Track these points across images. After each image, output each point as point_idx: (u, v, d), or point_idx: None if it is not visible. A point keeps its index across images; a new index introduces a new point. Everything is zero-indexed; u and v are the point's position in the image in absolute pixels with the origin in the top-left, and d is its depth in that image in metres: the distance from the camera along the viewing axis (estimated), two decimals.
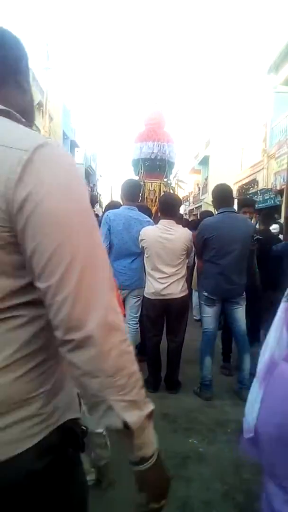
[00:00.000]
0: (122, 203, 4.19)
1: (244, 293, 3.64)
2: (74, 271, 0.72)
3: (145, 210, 4.42)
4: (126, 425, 0.75)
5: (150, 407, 0.80)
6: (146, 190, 9.98)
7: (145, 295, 3.67)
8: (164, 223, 3.60)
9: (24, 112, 0.92)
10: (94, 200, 4.66)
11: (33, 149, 0.71)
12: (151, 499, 0.84)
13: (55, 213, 0.71)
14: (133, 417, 0.76)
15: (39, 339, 0.79)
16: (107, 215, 3.87)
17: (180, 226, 3.74)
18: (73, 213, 0.74)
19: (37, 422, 0.79)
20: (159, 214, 4.34)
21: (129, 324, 3.89)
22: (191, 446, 2.82)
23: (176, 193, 10.83)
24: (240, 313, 3.62)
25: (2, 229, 0.72)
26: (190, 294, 5.50)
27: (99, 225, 3.77)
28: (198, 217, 10.57)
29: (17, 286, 0.76)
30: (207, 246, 3.55)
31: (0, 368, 0.75)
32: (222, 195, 3.68)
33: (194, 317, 6.01)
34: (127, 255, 3.85)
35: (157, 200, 9.75)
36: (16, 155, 0.71)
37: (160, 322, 3.69)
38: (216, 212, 3.78)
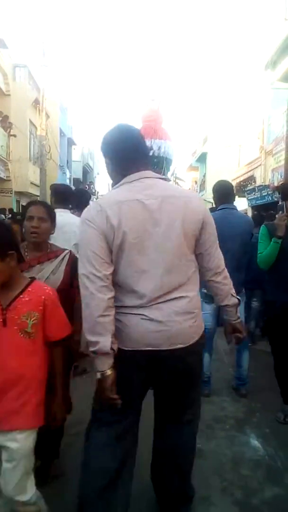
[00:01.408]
0: None
1: (244, 290, 3.65)
2: (216, 246, 1.93)
3: None
4: (238, 301, 2.01)
5: None
6: None
7: None
8: None
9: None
10: (88, 196, 4.76)
11: (199, 197, 2.35)
12: (239, 329, 2.06)
13: (212, 224, 1.89)
14: (236, 299, 2.00)
15: (198, 279, 1.88)
16: None
17: None
18: (213, 223, 1.90)
19: (201, 322, 1.85)
20: None
21: None
22: None
23: None
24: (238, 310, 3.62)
25: (198, 233, 1.82)
26: None
27: None
28: None
29: (194, 255, 1.87)
30: None
31: (194, 292, 1.82)
32: (223, 192, 3.68)
33: None
34: None
35: None
36: (199, 201, 1.96)
37: None
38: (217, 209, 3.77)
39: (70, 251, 2.37)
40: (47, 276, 2.20)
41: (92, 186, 32.97)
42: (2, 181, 15.91)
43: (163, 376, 1.82)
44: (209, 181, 23.09)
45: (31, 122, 18.36)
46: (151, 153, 9.88)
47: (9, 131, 16.05)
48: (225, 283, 1.94)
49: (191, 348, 1.76)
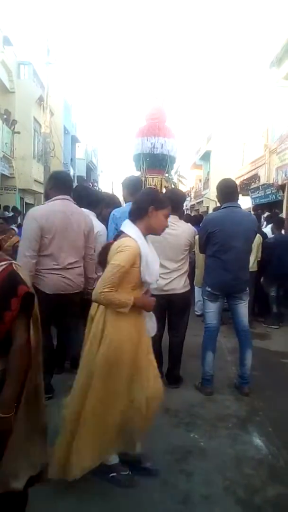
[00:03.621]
0: (125, 200, 4.25)
1: (248, 289, 3.64)
2: (93, 244, 3.41)
3: None
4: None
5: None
6: (147, 185, 9.93)
7: None
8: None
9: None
10: (102, 198, 4.48)
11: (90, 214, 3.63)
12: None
13: (93, 231, 3.42)
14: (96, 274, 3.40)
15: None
16: (113, 214, 3.94)
17: (183, 221, 3.74)
18: (94, 231, 3.45)
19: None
20: None
21: None
22: (192, 441, 2.83)
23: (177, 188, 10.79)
24: (243, 308, 3.62)
25: (87, 235, 3.28)
26: (192, 289, 5.51)
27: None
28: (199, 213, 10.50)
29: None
30: (211, 240, 3.55)
31: (82, 264, 3.29)
32: (227, 190, 3.67)
33: (196, 312, 6.02)
34: None
35: None
36: (88, 216, 3.50)
37: (162, 318, 3.68)
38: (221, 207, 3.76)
39: (11, 263, 1.55)
40: None
41: (96, 184, 32.97)
42: (6, 178, 15.92)
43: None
44: (213, 180, 22.98)
45: (35, 119, 18.34)
46: (155, 151, 9.86)
47: (13, 128, 16.05)
48: (92, 264, 3.31)
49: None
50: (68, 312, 3.33)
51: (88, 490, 2.25)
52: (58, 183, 3.30)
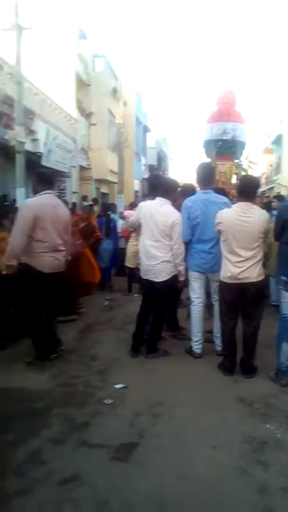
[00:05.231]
0: (199, 188, 4.26)
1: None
2: None
3: (223, 193, 4.39)
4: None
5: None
6: (217, 173, 9.75)
7: (221, 279, 3.63)
8: (241, 205, 3.53)
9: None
10: (176, 185, 4.60)
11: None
12: None
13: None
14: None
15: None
16: (185, 203, 3.98)
17: (258, 208, 3.64)
18: None
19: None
20: (231, 197, 4.29)
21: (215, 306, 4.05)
22: (268, 432, 2.78)
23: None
24: None
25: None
26: (268, 279, 5.33)
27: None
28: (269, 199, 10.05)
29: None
30: (286, 228, 3.42)
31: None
32: None
33: (272, 303, 5.83)
34: (208, 239, 3.89)
35: (229, 182, 9.53)
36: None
37: (235, 306, 3.64)
38: None
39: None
40: None
41: (166, 172, 32.97)
42: (84, 169, 16.51)
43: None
44: (284, 164, 21.91)
45: (109, 110, 18.71)
46: (224, 137, 9.61)
47: (90, 121, 16.57)
48: (68, 247, 4.08)
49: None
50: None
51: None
52: (44, 180, 3.96)
